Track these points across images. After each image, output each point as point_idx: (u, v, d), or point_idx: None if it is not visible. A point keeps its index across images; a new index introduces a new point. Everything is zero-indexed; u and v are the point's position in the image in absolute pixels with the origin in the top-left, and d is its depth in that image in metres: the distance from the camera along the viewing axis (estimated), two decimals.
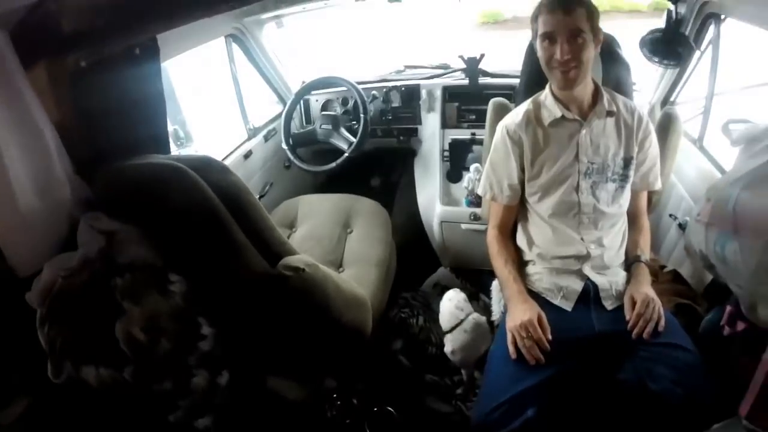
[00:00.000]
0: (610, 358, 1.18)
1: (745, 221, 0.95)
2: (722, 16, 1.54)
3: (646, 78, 1.93)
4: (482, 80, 2.01)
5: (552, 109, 1.28)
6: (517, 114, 1.33)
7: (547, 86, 1.30)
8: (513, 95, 1.60)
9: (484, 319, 1.48)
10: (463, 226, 1.86)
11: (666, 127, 1.50)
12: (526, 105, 1.34)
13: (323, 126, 2.07)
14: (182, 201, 0.94)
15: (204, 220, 0.96)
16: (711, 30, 1.60)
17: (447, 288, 1.69)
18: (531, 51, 1.39)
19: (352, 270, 1.66)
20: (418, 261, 2.01)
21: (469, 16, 7.03)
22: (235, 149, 2.03)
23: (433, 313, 1.66)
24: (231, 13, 1.71)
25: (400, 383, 1.63)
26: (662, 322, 1.17)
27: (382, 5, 1.81)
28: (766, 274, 0.92)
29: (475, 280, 1.85)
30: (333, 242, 1.75)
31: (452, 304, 1.54)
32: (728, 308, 1.15)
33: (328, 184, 2.23)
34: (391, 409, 1.48)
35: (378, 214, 1.89)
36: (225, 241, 0.98)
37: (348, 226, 1.84)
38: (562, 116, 1.27)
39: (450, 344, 1.48)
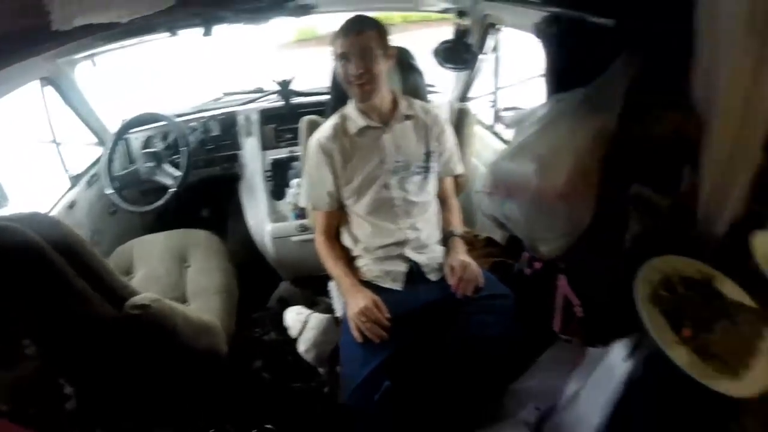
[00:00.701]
0: (444, 320, 1.39)
1: (512, 185, 1.28)
2: (498, 27, 1.98)
3: (445, 80, 2.33)
4: (296, 100, 2.22)
5: (356, 120, 1.46)
6: (326, 128, 1.50)
7: (351, 100, 1.48)
8: (324, 111, 1.77)
9: (327, 315, 1.64)
10: (294, 238, 1.99)
11: (461, 120, 1.90)
12: (334, 119, 1.51)
13: (146, 164, 2.06)
14: (18, 260, 0.91)
15: (43, 276, 0.95)
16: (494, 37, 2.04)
17: (290, 300, 1.81)
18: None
19: (196, 302, 1.71)
20: (259, 280, 2.10)
21: (286, 35, 7.22)
22: (58, 201, 1.92)
23: (283, 327, 1.76)
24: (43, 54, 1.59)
25: (270, 399, 1.71)
26: (481, 280, 1.39)
27: (196, 38, 1.84)
28: (534, 221, 1.25)
29: (316, 286, 1.98)
30: (173, 279, 1.78)
31: (293, 312, 1.69)
32: (524, 254, 1.51)
33: (160, 222, 2.18)
34: (270, 426, 1.55)
35: (212, 243, 1.96)
36: (68, 293, 0.99)
37: (185, 260, 1.88)
38: (366, 125, 1.46)
39: (302, 345, 1.60)
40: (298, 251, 1.97)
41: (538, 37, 1.35)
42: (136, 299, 1.13)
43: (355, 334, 1.32)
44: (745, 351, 0.98)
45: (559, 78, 1.27)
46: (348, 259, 1.51)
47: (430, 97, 2.07)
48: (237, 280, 1.92)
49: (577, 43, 1.24)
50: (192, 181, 2.10)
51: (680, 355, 0.97)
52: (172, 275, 1.80)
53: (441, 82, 2.30)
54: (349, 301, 1.39)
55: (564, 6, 1.29)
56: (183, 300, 1.74)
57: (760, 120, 1.11)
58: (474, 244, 1.74)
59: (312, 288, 2.03)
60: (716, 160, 1.19)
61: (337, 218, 1.54)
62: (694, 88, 1.16)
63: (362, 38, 1.35)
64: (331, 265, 1.49)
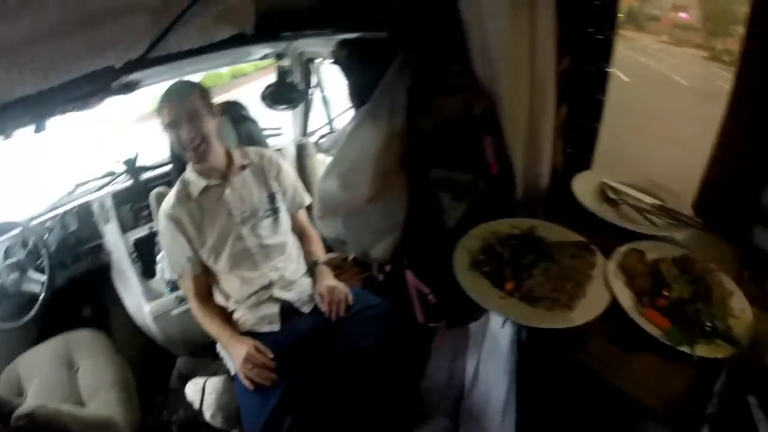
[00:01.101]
0: (326, 343, 1.47)
1: (331, 204, 1.36)
2: (316, 60, 2.09)
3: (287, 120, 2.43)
4: (145, 175, 2.20)
5: (197, 183, 1.51)
6: (170, 197, 1.53)
7: (189, 164, 1.55)
8: (171, 180, 1.78)
9: (221, 376, 1.62)
10: (174, 312, 1.96)
11: (303, 153, 1.95)
12: (176, 186, 1.55)
13: (10, 276, 1.95)
14: None
15: None
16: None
17: (190, 374, 1.78)
18: None
19: (93, 402, 1.67)
20: (154, 363, 2.03)
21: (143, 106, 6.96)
22: None
23: (188, 403, 1.71)
24: None
25: None
26: (350, 298, 1.50)
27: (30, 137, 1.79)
28: (356, 230, 1.34)
29: (211, 352, 1.93)
30: (66, 386, 1.73)
31: (191, 385, 1.68)
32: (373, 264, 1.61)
33: (43, 331, 2.04)
34: None
35: (95, 339, 1.91)
36: None
37: (72, 364, 1.83)
38: (207, 185, 1.51)
39: (207, 412, 1.57)
40: (182, 323, 1.93)
41: (335, 62, 1.46)
42: (19, 411, 1.18)
43: (246, 383, 1.36)
44: (572, 282, 1.10)
45: (358, 95, 1.38)
46: (223, 316, 1.54)
47: (276, 139, 2.16)
48: (132, 368, 1.87)
49: (363, 60, 1.35)
50: (62, 282, 2.01)
51: (507, 307, 1.05)
52: (64, 382, 1.74)
53: (284, 123, 2.42)
54: (231, 353, 1.43)
55: (346, 29, 1.41)
56: (80, 403, 1.68)
57: (546, 77, 1.27)
58: (343, 266, 1.84)
59: (209, 355, 1.98)
60: (516, 123, 1.33)
61: (204, 280, 1.56)
62: (476, 68, 1.30)
63: (186, 103, 1.41)
64: (208, 325, 1.51)
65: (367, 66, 1.33)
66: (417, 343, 1.54)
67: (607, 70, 1.39)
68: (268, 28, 1.27)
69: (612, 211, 1.35)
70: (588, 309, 1.06)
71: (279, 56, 2.00)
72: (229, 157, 1.55)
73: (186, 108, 1.40)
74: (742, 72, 1.24)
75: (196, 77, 1.72)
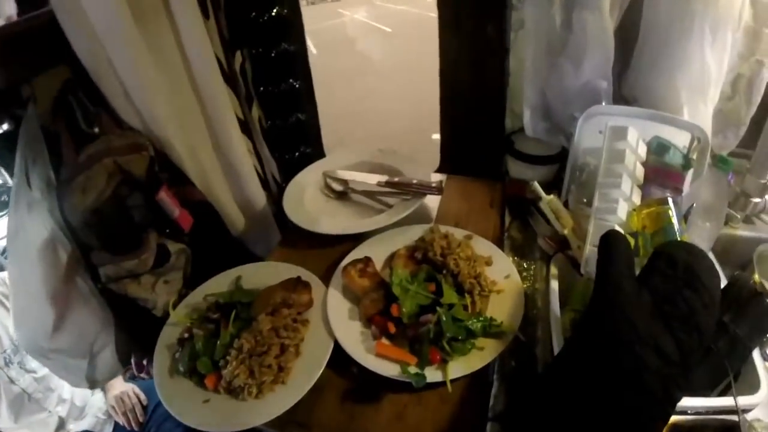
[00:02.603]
0: None
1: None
2: None
3: None
4: None
5: None
6: None
7: None
8: None
9: None
10: None
11: None
12: None
13: None
14: None
15: None
16: None
17: None
18: None
19: None
20: None
21: None
22: None
23: None
24: None
25: None
26: (142, 397, 1.41)
27: None
28: (66, 369, 1.01)
29: None
30: None
31: None
32: None
33: None
34: None
35: None
36: None
37: None
38: None
39: None
40: None
41: None
42: None
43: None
44: (276, 348, 0.80)
45: None
46: None
47: None
48: None
49: None
50: None
51: (208, 416, 0.74)
52: None
53: None
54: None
55: None
56: None
57: (214, 87, 0.96)
58: None
59: None
60: (193, 154, 1.01)
61: None
62: (122, 115, 0.96)
63: None
64: None
65: None
66: None
67: (292, 49, 1.10)
68: None
69: (343, 207, 1.07)
70: (305, 374, 0.77)
71: None
72: None
73: None
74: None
75: None
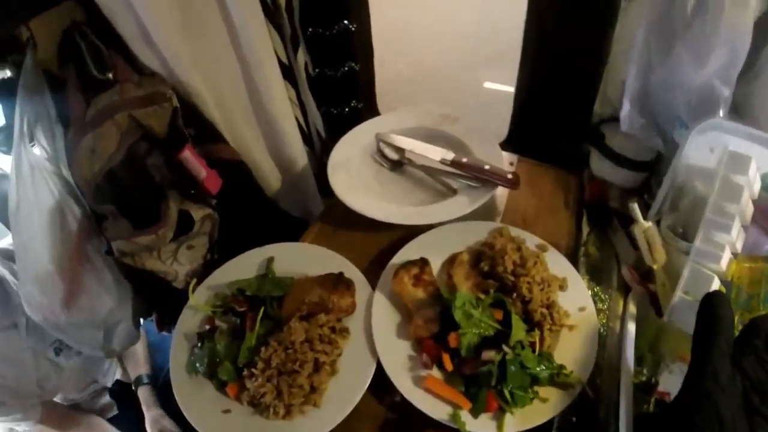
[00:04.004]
0: None
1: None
2: None
3: None
4: None
5: None
6: None
7: None
8: None
9: None
10: None
11: None
12: None
13: None
14: None
15: None
16: None
17: None
18: None
19: None
20: None
21: None
22: None
23: None
24: None
25: None
26: None
27: None
28: (80, 338, 0.92)
29: None
30: None
31: None
32: None
33: None
34: None
35: None
36: None
37: None
38: None
39: None
40: None
41: None
42: None
43: None
44: (310, 363, 0.71)
45: None
46: None
47: None
48: None
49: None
50: None
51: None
52: None
53: None
54: None
55: None
56: None
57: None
58: None
59: None
60: (227, 104, 0.85)
61: None
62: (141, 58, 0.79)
63: None
64: None
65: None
66: None
67: None
68: None
69: (396, 182, 0.91)
70: (340, 397, 0.68)
71: None
72: None
73: None
74: None
75: None
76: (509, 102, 0.94)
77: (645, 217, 0.72)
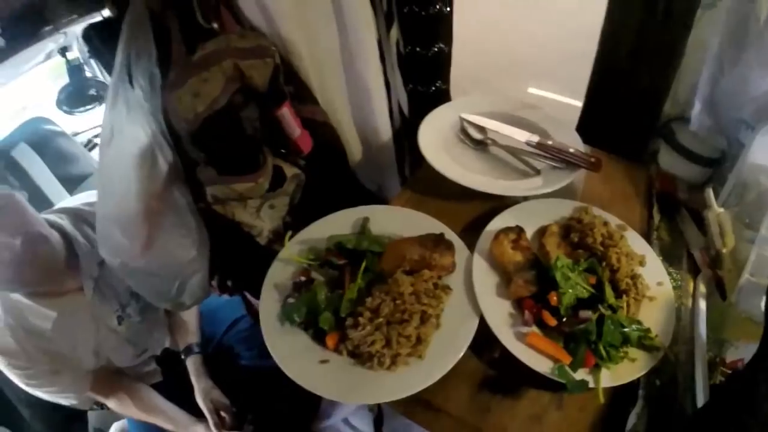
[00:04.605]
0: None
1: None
2: None
3: None
4: None
5: None
6: None
7: None
8: None
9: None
10: None
11: None
12: None
13: None
14: None
15: None
16: None
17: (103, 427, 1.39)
18: None
19: None
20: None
21: None
22: None
23: None
24: None
25: None
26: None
27: None
28: (150, 288, 0.94)
29: None
30: None
31: None
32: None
33: None
34: None
35: None
36: None
37: None
38: None
39: None
40: None
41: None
42: None
43: None
44: (417, 316, 0.74)
45: None
46: None
47: None
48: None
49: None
50: None
51: (328, 380, 0.69)
52: None
53: None
54: None
55: None
56: None
57: None
58: None
59: None
60: (320, 66, 0.87)
61: None
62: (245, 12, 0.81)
63: None
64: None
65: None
66: None
67: None
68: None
69: (479, 160, 0.96)
70: (444, 350, 0.71)
71: (63, 51, 1.53)
72: None
73: None
74: None
75: None
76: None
77: None
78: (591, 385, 0.67)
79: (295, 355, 0.70)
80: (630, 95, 0.94)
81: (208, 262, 0.89)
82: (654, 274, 0.79)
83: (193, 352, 1.16)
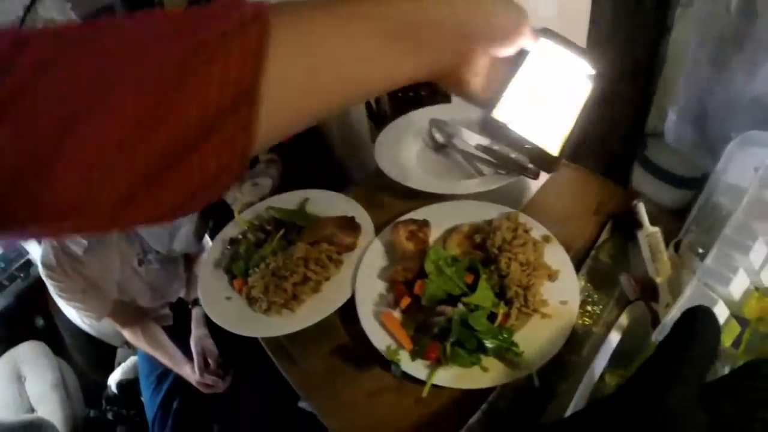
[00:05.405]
0: None
1: None
2: None
3: None
4: None
5: None
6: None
7: None
8: None
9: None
10: None
11: None
12: None
13: None
14: None
15: None
16: None
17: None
18: None
19: (40, 407, 1.81)
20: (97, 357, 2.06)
21: None
22: None
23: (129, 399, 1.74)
24: None
25: None
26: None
27: None
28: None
29: None
30: (17, 398, 1.86)
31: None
32: None
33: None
34: None
35: (37, 348, 1.99)
36: None
37: (21, 377, 1.94)
38: None
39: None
40: None
41: None
42: None
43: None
44: (297, 276, 0.82)
45: None
46: None
47: None
48: (81, 367, 1.98)
49: None
50: (9, 301, 2.12)
51: (222, 310, 0.84)
52: (15, 395, 1.88)
53: None
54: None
55: None
56: (31, 410, 1.83)
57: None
58: None
59: None
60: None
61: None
62: None
63: None
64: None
65: None
66: None
67: None
68: None
69: (436, 162, 0.98)
70: (313, 311, 0.78)
71: None
72: None
73: None
74: None
75: None
76: None
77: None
78: (422, 377, 0.66)
79: (210, 288, 0.86)
80: (608, 109, 0.86)
81: (196, 218, 1.10)
82: (561, 292, 0.73)
83: (199, 304, 1.40)
